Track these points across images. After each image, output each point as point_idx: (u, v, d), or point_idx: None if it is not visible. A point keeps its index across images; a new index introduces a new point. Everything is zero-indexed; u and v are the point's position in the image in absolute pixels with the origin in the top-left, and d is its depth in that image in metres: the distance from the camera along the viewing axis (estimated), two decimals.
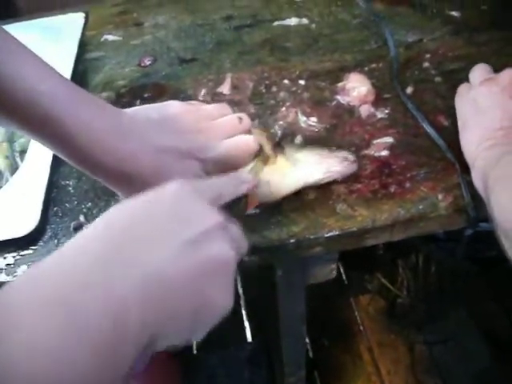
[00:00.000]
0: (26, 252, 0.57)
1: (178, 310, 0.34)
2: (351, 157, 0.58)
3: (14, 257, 0.57)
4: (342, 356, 1.23)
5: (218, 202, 0.43)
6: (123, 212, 0.37)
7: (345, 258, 0.66)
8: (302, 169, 0.55)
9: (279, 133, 0.64)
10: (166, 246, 0.35)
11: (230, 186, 0.46)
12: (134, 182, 0.49)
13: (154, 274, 0.33)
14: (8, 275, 0.55)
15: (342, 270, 1.25)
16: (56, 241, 0.57)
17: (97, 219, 0.37)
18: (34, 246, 0.57)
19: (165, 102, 0.54)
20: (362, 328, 1.26)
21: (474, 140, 0.56)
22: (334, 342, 1.24)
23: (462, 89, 0.63)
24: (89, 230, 0.35)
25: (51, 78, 0.46)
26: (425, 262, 1.02)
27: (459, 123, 0.60)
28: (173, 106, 0.53)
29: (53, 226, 0.59)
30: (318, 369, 1.22)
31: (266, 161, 0.55)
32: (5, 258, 0.57)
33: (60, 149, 0.48)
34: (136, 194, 0.51)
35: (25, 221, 0.58)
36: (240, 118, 0.54)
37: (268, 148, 0.56)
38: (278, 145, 0.57)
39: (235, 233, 0.41)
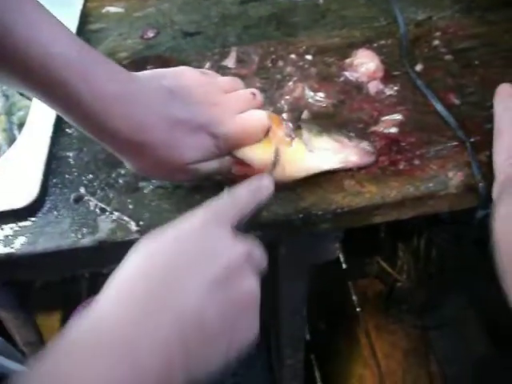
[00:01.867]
0: (24, 223, 0.55)
1: (212, 347, 0.36)
2: (370, 148, 0.56)
3: (11, 228, 0.55)
4: (338, 339, 1.23)
5: (242, 221, 0.43)
6: (153, 256, 0.39)
7: (344, 240, 0.65)
8: (319, 156, 0.53)
9: (285, 107, 0.62)
10: (196, 288, 0.36)
11: (251, 199, 0.46)
12: (143, 152, 0.48)
13: (189, 318, 0.35)
14: (6, 246, 0.53)
15: (340, 253, 1.24)
16: (56, 212, 0.56)
17: (128, 259, 0.39)
18: (33, 217, 0.56)
19: (178, 68, 0.52)
20: (359, 311, 1.25)
21: (503, 152, 0.53)
22: (331, 325, 1.23)
23: (504, 90, 0.59)
24: (124, 276, 0.38)
25: (64, 40, 0.44)
26: (426, 246, 1.01)
27: (495, 125, 0.56)
28: (186, 75, 0.51)
29: (52, 197, 0.57)
30: (314, 352, 1.21)
31: (281, 144, 0.53)
32: (2, 229, 0.55)
33: (70, 113, 0.46)
34: (144, 164, 0.49)
35: (24, 192, 0.56)
36: (253, 94, 0.53)
37: (282, 133, 0.54)
38: (298, 127, 0.55)
39: (258, 256, 0.42)
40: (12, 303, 0.89)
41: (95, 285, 1.36)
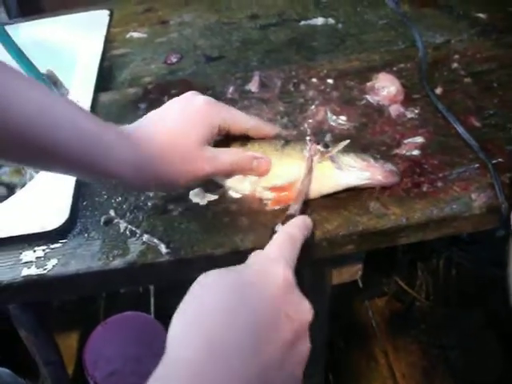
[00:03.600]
0: (55, 245, 0.57)
1: None
2: (395, 169, 0.57)
3: (43, 250, 0.56)
4: (357, 359, 1.23)
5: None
6: (240, 306, 0.39)
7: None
8: (347, 173, 0.55)
9: (308, 131, 0.64)
10: (271, 351, 0.37)
11: (303, 238, 0.48)
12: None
13: (270, 374, 0.37)
14: (38, 268, 0.55)
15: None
16: (86, 234, 0.57)
17: (202, 301, 0.39)
18: (64, 239, 0.57)
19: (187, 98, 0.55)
20: (377, 331, 1.25)
21: None
22: (349, 344, 1.23)
23: None
24: (205, 324, 0.37)
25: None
26: (445, 266, 1.02)
27: None
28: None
29: (82, 220, 0.59)
30: (332, 371, 1.21)
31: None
32: (34, 251, 0.57)
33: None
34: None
35: (55, 214, 0.58)
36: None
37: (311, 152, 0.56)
38: (325, 145, 0.56)
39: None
40: (32, 323, 0.90)
41: (113, 304, 1.37)
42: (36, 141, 0.44)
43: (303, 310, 0.41)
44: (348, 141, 0.56)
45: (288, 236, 0.46)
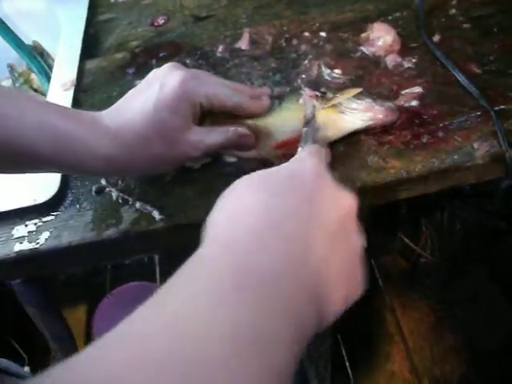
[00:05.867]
0: (47, 218, 0.55)
1: (334, 293, 0.36)
2: (393, 106, 0.56)
3: (35, 224, 0.55)
4: (364, 318, 1.23)
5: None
6: (279, 195, 0.37)
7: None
8: (351, 116, 0.55)
9: (302, 86, 0.61)
10: (323, 237, 0.36)
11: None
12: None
13: (320, 263, 0.35)
14: (31, 242, 0.54)
15: None
16: (78, 205, 0.56)
17: (244, 195, 0.38)
18: (56, 211, 0.56)
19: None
20: (383, 289, 1.24)
21: None
22: (356, 303, 1.23)
23: None
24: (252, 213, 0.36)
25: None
26: (450, 220, 1.00)
27: None
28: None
29: (74, 190, 0.57)
30: (340, 332, 1.21)
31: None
32: (26, 225, 0.55)
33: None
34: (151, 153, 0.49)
35: (45, 186, 0.56)
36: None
37: (310, 111, 0.55)
38: (324, 94, 0.55)
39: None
40: (38, 299, 0.90)
41: (118, 275, 1.37)
42: (3, 145, 0.44)
43: (344, 197, 0.39)
44: (360, 89, 0.56)
45: (312, 149, 0.46)
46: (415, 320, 1.21)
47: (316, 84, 0.61)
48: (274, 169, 0.40)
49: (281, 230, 0.35)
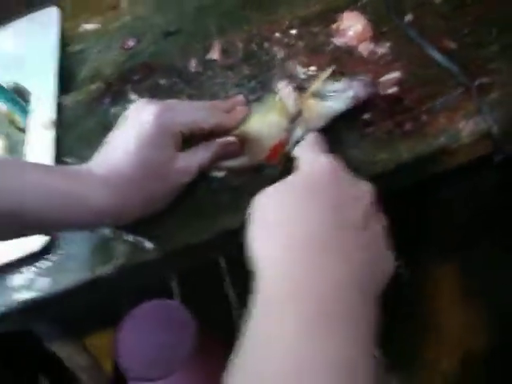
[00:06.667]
0: (42, 264, 0.55)
1: (379, 283, 0.39)
2: (369, 79, 0.56)
3: (32, 271, 0.55)
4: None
5: None
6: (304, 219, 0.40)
7: None
8: (332, 99, 0.54)
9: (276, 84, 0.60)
10: (352, 229, 0.39)
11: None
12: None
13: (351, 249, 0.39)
14: (29, 290, 0.53)
15: None
16: (68, 247, 0.55)
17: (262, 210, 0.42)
18: (48, 255, 0.55)
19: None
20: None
21: None
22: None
23: None
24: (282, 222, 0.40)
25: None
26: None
27: None
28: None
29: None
30: None
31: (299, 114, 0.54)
32: (21, 272, 0.55)
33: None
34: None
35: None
36: None
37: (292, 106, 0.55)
38: (300, 89, 0.55)
39: None
40: (57, 334, 0.90)
41: (136, 295, 1.37)
42: (8, 217, 0.44)
43: (361, 191, 0.42)
44: (332, 68, 0.57)
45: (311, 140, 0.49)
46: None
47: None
48: (289, 180, 0.43)
49: (328, 245, 0.38)
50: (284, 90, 0.55)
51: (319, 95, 0.54)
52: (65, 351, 1.03)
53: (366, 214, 0.40)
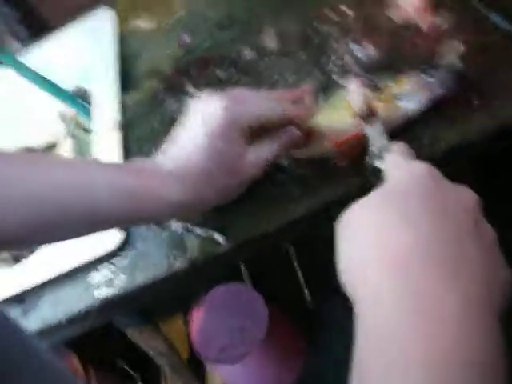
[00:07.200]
0: (118, 262, 0.57)
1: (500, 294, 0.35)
2: (443, 79, 0.52)
3: (109, 269, 0.57)
4: None
5: None
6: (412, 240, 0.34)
7: None
8: (408, 100, 0.52)
9: (335, 69, 0.60)
10: (472, 243, 0.34)
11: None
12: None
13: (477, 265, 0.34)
14: (108, 287, 0.56)
15: None
16: (143, 243, 0.57)
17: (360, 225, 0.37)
18: (123, 253, 0.57)
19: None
20: None
21: None
22: None
23: None
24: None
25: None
26: None
27: None
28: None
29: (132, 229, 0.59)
30: None
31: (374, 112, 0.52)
32: (98, 270, 0.57)
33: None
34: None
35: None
36: None
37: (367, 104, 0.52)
38: (375, 87, 0.53)
39: None
40: (134, 321, 0.93)
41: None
42: (77, 213, 0.46)
43: (466, 197, 0.37)
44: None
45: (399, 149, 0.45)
46: None
47: (348, 65, 0.59)
48: (386, 188, 0.39)
49: (437, 261, 0.33)
50: (354, 89, 0.53)
51: (394, 95, 0.52)
52: (142, 337, 1.07)
53: (477, 220, 0.36)
